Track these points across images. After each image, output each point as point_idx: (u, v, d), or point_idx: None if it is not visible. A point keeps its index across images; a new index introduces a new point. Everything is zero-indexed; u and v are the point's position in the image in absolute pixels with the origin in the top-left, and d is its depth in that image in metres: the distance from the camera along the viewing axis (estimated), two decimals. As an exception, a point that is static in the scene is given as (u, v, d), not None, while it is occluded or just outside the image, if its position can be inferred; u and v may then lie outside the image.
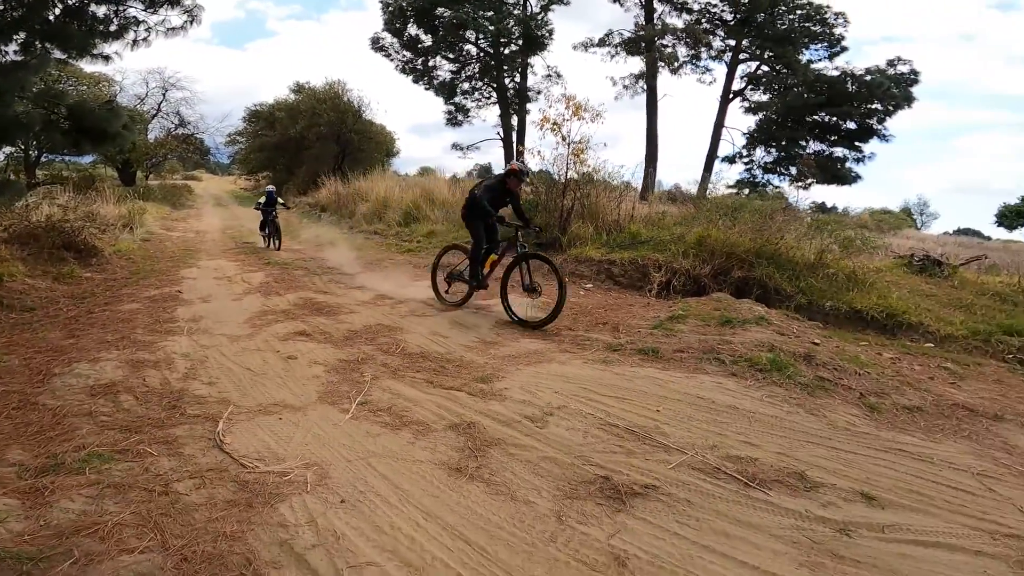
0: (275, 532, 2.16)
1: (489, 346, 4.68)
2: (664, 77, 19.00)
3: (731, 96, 18.25)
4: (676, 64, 18.78)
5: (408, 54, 21.11)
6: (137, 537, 2.09)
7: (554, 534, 2.25)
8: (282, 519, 2.24)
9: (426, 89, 21.79)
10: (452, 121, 21.86)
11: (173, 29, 6.90)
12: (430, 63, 21.27)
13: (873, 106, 15.21)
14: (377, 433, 3.03)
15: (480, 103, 21.68)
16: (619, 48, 19.25)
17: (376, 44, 21.21)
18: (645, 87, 19.01)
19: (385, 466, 2.69)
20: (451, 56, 20.95)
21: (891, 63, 15.54)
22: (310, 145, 21.44)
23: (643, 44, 18.49)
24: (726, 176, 20.28)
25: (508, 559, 2.09)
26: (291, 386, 3.69)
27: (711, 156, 17.48)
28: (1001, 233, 18.85)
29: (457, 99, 21.55)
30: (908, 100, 15.02)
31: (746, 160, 17.74)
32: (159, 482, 2.48)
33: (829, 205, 19.36)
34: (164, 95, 22.93)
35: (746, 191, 15.24)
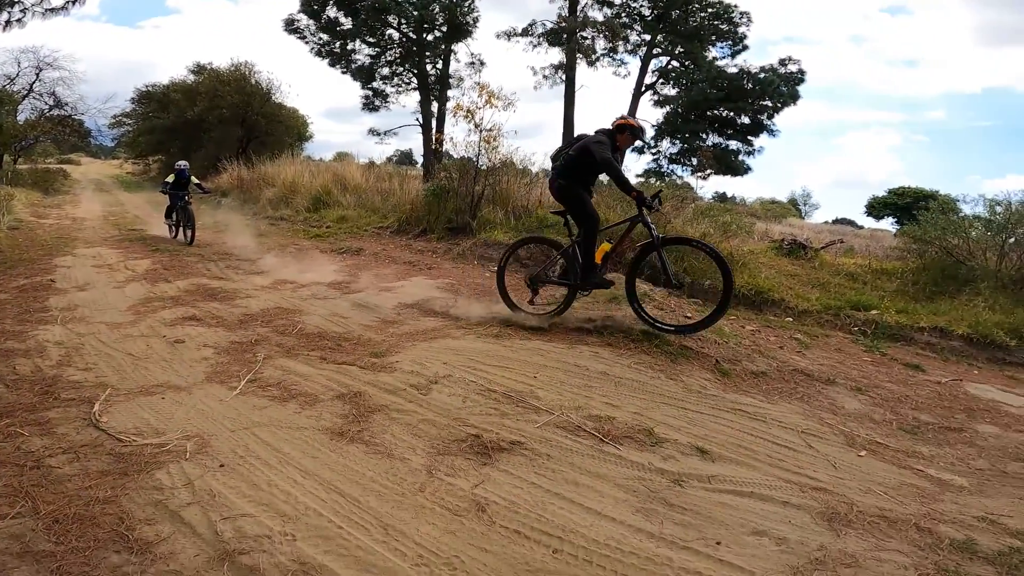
0: (150, 495, 2.30)
1: (389, 325, 4.88)
2: (582, 69, 19.70)
3: (643, 89, 19.33)
4: (594, 56, 19.59)
5: (325, 37, 20.51)
6: (8, 505, 2.18)
7: (423, 485, 2.54)
8: (158, 483, 2.38)
9: (343, 73, 21.27)
10: (369, 106, 21.51)
11: (53, 9, 6.41)
12: (348, 46, 20.78)
13: (764, 102, 16.87)
14: (264, 406, 3.18)
15: (400, 89, 21.45)
16: (541, 38, 19.77)
17: (290, 26, 20.41)
18: (564, 78, 19.67)
19: (268, 434, 2.87)
20: (371, 40, 20.56)
21: (782, 62, 17.35)
22: (210, 128, 20.31)
23: (564, 35, 19.09)
24: (634, 167, 21.61)
25: (378, 507, 2.37)
26: (176, 368, 3.73)
27: (623, 147, 18.57)
28: (870, 222, 21.87)
29: (376, 84, 21.23)
30: (794, 98, 16.84)
31: (654, 151, 19.02)
32: (31, 458, 2.53)
33: (729, 195, 21.32)
34: (38, 75, 20.87)
35: (653, 180, 16.42)
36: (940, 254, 6.92)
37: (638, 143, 4.69)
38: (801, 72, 17.15)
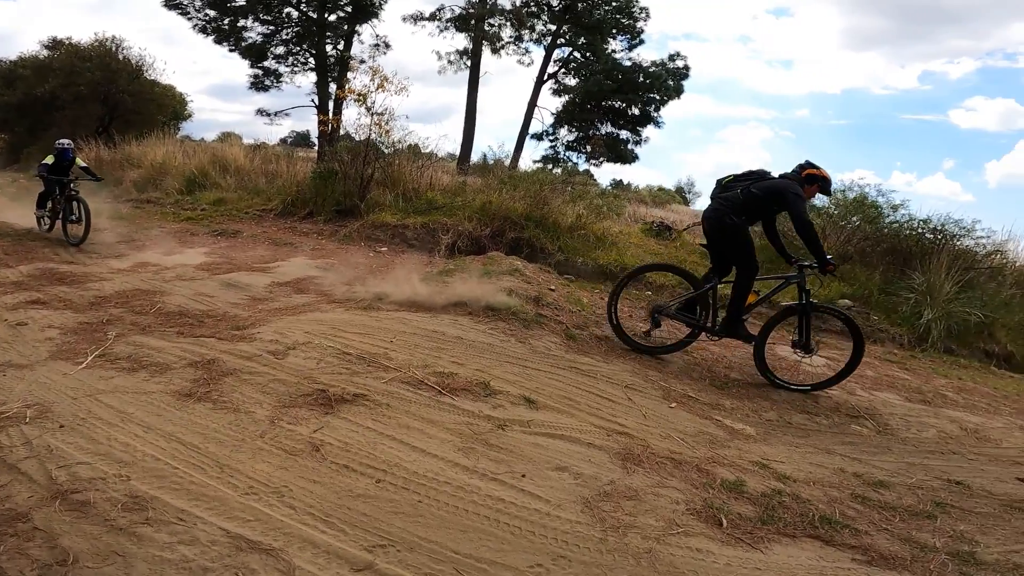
0: (-16, 453, 2.48)
1: (258, 302, 5.08)
2: (487, 55, 20.13)
3: (546, 78, 20.13)
4: (499, 44, 20.09)
5: (212, 13, 19.36)
6: None
7: (264, 432, 2.89)
8: (-7, 443, 2.55)
9: (231, 51, 20.23)
10: (258, 86, 20.66)
11: None
12: (239, 23, 19.76)
13: (652, 95, 18.30)
14: (111, 376, 3.36)
15: (295, 69, 20.76)
16: (449, 24, 19.95)
17: (171, 1, 19.06)
18: (469, 63, 20.02)
19: (113, 399, 3.07)
20: (267, 18, 19.68)
21: (671, 58, 18.86)
22: (64, 106, 18.62)
23: (472, 22, 19.39)
24: (533, 152, 22.45)
25: (216, 451, 2.68)
26: (18, 348, 3.76)
27: (523, 133, 19.33)
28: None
29: (267, 63, 20.39)
30: (678, 92, 18.41)
31: (552, 138, 20.01)
32: None
33: (625, 182, 22.92)
34: None
35: (550, 166, 17.35)
36: (779, 234, 8.11)
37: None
38: (686, 68, 18.77)
